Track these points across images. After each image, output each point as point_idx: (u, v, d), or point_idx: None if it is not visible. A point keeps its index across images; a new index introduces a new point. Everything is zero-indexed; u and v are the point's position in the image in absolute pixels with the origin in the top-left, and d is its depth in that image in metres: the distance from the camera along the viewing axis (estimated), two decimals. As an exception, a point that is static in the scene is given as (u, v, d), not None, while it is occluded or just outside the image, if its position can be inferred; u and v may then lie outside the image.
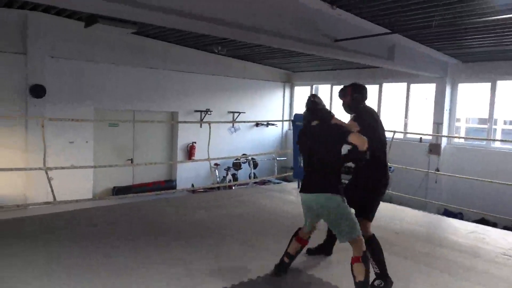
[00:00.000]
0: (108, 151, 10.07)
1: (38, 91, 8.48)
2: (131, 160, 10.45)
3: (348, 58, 8.14)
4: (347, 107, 3.79)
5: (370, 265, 3.20)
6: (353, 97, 3.72)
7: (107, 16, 7.05)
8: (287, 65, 12.85)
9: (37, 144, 5.22)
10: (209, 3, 5.42)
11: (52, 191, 4.96)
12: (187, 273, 3.57)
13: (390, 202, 7.78)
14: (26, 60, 8.44)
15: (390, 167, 8.44)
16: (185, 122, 10.76)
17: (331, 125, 3.42)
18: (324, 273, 3.66)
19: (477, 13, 5.87)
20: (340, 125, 3.41)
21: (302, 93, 13.94)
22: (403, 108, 10.93)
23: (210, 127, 6.42)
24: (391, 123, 11.09)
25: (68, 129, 9.01)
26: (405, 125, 10.89)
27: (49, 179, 4.99)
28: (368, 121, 3.61)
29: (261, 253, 4.11)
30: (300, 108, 13.67)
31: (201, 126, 10.87)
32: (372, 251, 3.33)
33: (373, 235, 3.48)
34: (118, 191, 9.84)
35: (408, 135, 10.65)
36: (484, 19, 5.95)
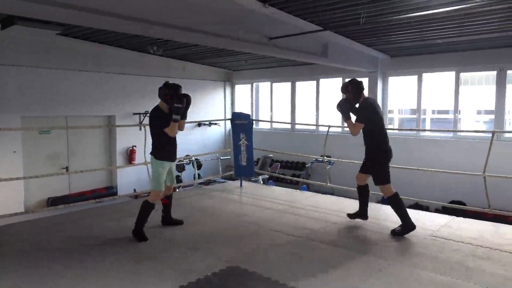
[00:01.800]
0: (40, 160, 9.47)
1: (-47, 100, 7.77)
2: (66, 168, 9.90)
3: (284, 56, 8.28)
4: (349, 100, 4.70)
5: None
6: (353, 91, 4.62)
7: (25, 17, 6.58)
8: (227, 64, 12.84)
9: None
10: (139, 3, 5.26)
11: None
12: (132, 282, 3.44)
13: (332, 194, 8.05)
14: None
15: (330, 161, 8.78)
16: (121, 126, 10.38)
17: None
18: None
19: (401, 10, 6.21)
20: None
21: (242, 92, 14.01)
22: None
23: (145, 131, 6.21)
24: (328, 117, 11.49)
25: (-8, 139, 8.35)
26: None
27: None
28: (367, 113, 4.55)
29: (204, 254, 4.06)
30: (241, 106, 13.73)
31: (140, 129, 10.52)
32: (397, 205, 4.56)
33: (396, 193, 4.60)
34: (53, 201, 9.29)
35: (345, 129, 11.05)
36: (407, 15, 6.31)
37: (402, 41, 8.68)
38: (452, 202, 8.60)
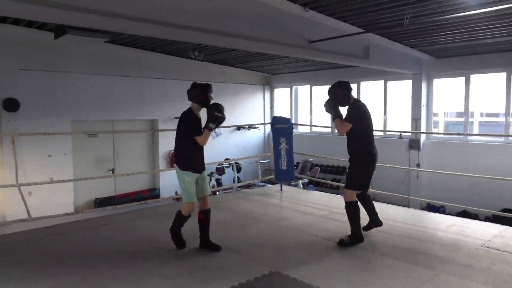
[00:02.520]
0: (88, 163, 9.91)
1: (11, 105, 8.31)
2: (112, 170, 10.29)
3: (324, 59, 8.21)
4: (338, 101, 4.47)
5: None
6: (342, 93, 4.43)
7: (76, 26, 6.93)
8: (266, 68, 12.88)
9: (12, 160, 5.08)
10: (179, 10, 5.39)
11: (27, 207, 4.82)
12: (173, 286, 3.52)
13: (373, 200, 7.85)
14: (-3, 74, 8.26)
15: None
16: (164, 130, 10.66)
17: None
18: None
19: (448, 10, 5.98)
20: None
21: (282, 95, 13.99)
22: (382, 105, 11.07)
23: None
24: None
25: (46, 142, 8.83)
26: (384, 122, 11.03)
27: (23, 196, 4.85)
28: (357, 114, 4.38)
29: (246, 259, 4.07)
30: (280, 110, 13.72)
31: (182, 132, 10.78)
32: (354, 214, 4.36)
33: (357, 201, 4.42)
34: (100, 202, 9.69)
35: (388, 132, 10.77)
36: (454, 15, 6.06)
37: (449, 42, 8.35)
38: (504, 210, 8.14)
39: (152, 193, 10.71)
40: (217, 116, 4.13)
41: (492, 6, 5.53)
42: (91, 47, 9.26)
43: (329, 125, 12.04)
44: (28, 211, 4.81)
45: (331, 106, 4.49)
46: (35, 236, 4.80)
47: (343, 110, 4.53)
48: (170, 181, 10.94)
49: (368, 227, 4.73)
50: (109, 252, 4.27)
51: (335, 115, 4.48)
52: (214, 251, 4.25)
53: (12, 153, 5.00)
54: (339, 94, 4.41)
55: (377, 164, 7.39)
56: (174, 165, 4.28)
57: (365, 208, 4.67)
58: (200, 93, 4.16)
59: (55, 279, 3.60)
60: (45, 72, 8.94)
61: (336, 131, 4.53)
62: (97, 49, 9.41)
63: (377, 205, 6.42)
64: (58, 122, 8.97)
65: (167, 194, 10.18)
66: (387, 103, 11.06)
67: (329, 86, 4.52)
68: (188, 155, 4.19)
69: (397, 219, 5.36)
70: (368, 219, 4.72)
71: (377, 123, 10.92)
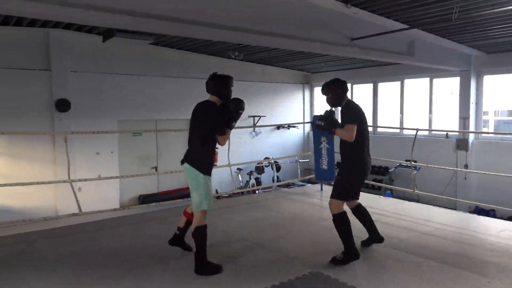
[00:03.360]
0: (133, 160, 10.27)
1: (63, 106, 8.77)
2: (156, 168, 10.61)
3: (366, 56, 8.02)
4: (331, 101, 4.13)
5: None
6: (337, 92, 4.05)
7: (123, 29, 7.22)
8: (306, 67, 12.78)
9: (64, 157, 5.37)
10: (221, 11, 5.46)
11: (78, 202, 5.08)
12: (212, 283, 3.58)
13: (418, 201, 7.61)
14: (51, 76, 8.74)
15: (415, 167, 8.28)
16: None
17: None
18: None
19: (499, 2, 5.67)
20: None
21: (321, 94, 13.82)
22: (427, 104, 10.68)
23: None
24: (414, 120, 10.87)
25: (94, 141, 9.26)
26: (430, 121, 10.62)
27: (74, 191, 5.11)
28: (356, 115, 3.99)
29: (286, 258, 4.07)
30: (320, 109, 13.56)
31: (222, 131, 10.94)
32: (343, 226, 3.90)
33: (345, 212, 3.93)
34: (144, 199, 10.02)
35: (434, 132, 10.37)
36: (506, 8, 5.74)
37: (501, 36, 7.90)
38: (562, 215, 7.63)
39: (193, 191, 10.92)
40: (240, 114, 3.76)
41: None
42: (136, 49, 9.60)
43: (371, 124, 11.80)
44: (79, 206, 5.06)
45: (329, 121, 4.08)
46: (86, 230, 5.05)
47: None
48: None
49: (367, 243, 4.29)
50: (153, 247, 4.41)
51: (334, 127, 4.03)
52: (187, 250, 4.09)
53: (65, 151, 5.28)
54: (335, 94, 4.03)
55: (422, 164, 7.13)
56: (186, 164, 3.76)
57: (361, 221, 4.25)
58: (223, 85, 3.77)
59: (102, 270, 3.77)
60: (94, 74, 9.37)
61: (345, 138, 3.96)
62: (142, 51, 9.75)
63: (422, 207, 6.25)
64: (105, 122, 9.39)
65: (208, 192, 10.35)
66: (433, 101, 10.65)
67: (323, 84, 4.17)
68: (207, 157, 3.73)
69: (444, 222, 5.16)
70: (368, 233, 4.28)
71: (422, 122, 10.57)
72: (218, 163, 10.92)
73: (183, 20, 5.15)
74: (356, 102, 4.22)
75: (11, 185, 4.96)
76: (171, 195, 9.95)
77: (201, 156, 3.72)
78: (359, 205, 4.25)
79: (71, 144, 8.37)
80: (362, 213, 4.24)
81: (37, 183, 5.42)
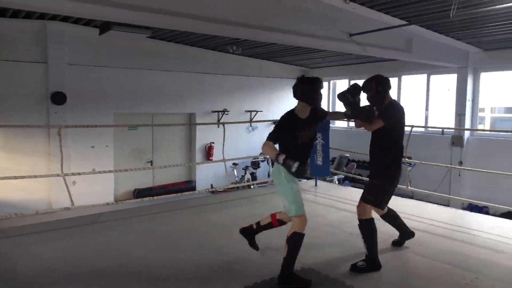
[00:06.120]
0: (128, 154, 10.25)
1: (58, 98, 8.73)
2: (151, 162, 10.60)
3: (364, 52, 7.99)
4: (372, 100, 3.78)
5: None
6: (378, 90, 3.72)
7: (120, 22, 7.17)
8: (304, 62, 12.74)
9: (58, 151, 5.35)
10: (220, 5, 5.43)
11: (70, 196, 5.06)
12: (199, 278, 3.59)
13: (412, 198, 7.63)
14: (47, 68, 8.68)
15: (410, 163, 8.31)
16: (200, 124, 10.84)
17: None
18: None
19: None
20: None
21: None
22: (424, 100, 10.68)
23: (224, 128, 6.43)
24: (411, 116, 10.87)
25: (89, 134, 9.23)
26: (426, 117, 10.64)
27: (67, 185, 5.10)
28: (395, 116, 3.71)
29: (277, 254, 4.08)
30: (318, 104, 13.54)
31: (218, 126, 10.93)
32: (364, 234, 3.70)
33: (373, 218, 3.74)
34: (139, 193, 10.01)
35: (429, 128, 10.38)
36: (504, 5, 5.72)
37: (498, 33, 7.89)
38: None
39: (188, 185, 10.94)
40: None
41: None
42: (133, 43, 9.54)
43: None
44: (71, 200, 5.05)
45: (353, 94, 3.75)
46: (77, 223, 5.04)
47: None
48: (206, 174, 11.15)
49: (400, 242, 4.22)
50: (147, 242, 4.41)
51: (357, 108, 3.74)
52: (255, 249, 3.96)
53: (59, 144, 5.26)
54: (375, 92, 3.71)
55: (416, 161, 7.11)
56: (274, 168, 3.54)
57: (391, 223, 4.14)
58: (313, 89, 3.44)
59: (97, 264, 3.77)
60: (90, 67, 9.32)
61: (358, 126, 3.82)
62: (139, 44, 9.69)
63: (416, 204, 6.26)
64: (101, 115, 9.35)
65: (203, 187, 10.38)
66: (430, 98, 10.66)
67: (364, 80, 3.85)
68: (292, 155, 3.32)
69: (437, 219, 5.18)
70: (399, 232, 4.20)
71: (418, 118, 10.58)
72: (215, 156, 11.04)
73: (180, 14, 5.12)
74: (400, 105, 3.87)
75: (3, 178, 4.94)
76: (166, 189, 9.96)
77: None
78: (389, 209, 4.10)
79: (65, 137, 8.37)
80: (393, 217, 4.10)
81: (29, 176, 5.39)
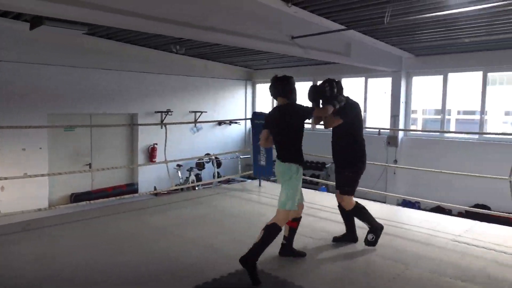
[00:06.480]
0: (64, 157, 9.72)
1: (-15, 97, 8.06)
2: (89, 165, 10.13)
3: (306, 55, 8.21)
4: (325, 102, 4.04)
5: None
6: (330, 92, 4.03)
7: (53, 17, 6.76)
8: (248, 63, 12.84)
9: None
10: (161, 3, 5.31)
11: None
12: (147, 281, 3.49)
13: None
14: (-27, 65, 8.01)
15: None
16: (142, 124, 10.55)
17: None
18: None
19: (427, 8, 6.06)
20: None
21: (264, 91, 13.99)
22: (362, 102, 11.20)
23: (166, 129, 6.31)
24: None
25: (20, 136, 8.63)
26: (364, 118, 11.15)
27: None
28: (352, 113, 4.13)
29: (221, 254, 4.07)
30: (262, 105, 13.72)
31: (162, 127, 10.70)
32: (359, 215, 4.20)
33: (357, 202, 4.24)
34: (76, 197, 9.53)
35: (368, 129, 10.89)
36: (433, 14, 6.15)
37: (428, 40, 8.47)
38: (476, 206, 8.37)
39: (130, 188, 10.60)
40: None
41: (469, 6, 5.63)
42: (69, 39, 9.06)
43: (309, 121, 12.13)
44: (-2, 206, 4.68)
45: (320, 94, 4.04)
46: (6, 232, 4.69)
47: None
48: (148, 176, 10.87)
49: (341, 239, 4.40)
50: (82, 248, 4.21)
51: (327, 103, 3.94)
52: (300, 257, 3.97)
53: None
54: (328, 92, 4.01)
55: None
56: (285, 162, 3.66)
57: (344, 217, 4.39)
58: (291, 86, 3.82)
59: (27, 274, 3.53)
60: (22, 64, 8.71)
61: (320, 124, 4.14)
62: (75, 41, 9.21)
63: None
64: (33, 115, 8.76)
65: (146, 190, 10.11)
66: (368, 100, 11.20)
67: (321, 82, 4.13)
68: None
69: (374, 215, 5.40)
70: (345, 230, 4.42)
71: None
72: (159, 158, 10.79)
73: (118, 11, 4.93)
74: (356, 102, 4.27)
75: None
76: (106, 193, 9.58)
77: (296, 149, 3.74)
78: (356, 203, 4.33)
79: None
80: (351, 216, 4.35)
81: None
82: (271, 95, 3.90)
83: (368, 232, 4.20)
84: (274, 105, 4.07)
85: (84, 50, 9.58)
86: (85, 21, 6.53)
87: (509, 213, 5.37)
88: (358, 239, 4.37)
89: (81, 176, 9.69)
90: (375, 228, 4.20)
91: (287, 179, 3.65)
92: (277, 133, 3.78)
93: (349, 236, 4.38)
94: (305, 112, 3.75)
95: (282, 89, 3.77)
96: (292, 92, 3.78)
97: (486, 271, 3.69)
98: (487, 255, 4.08)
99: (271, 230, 3.55)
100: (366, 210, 4.23)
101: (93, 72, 9.89)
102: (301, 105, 3.78)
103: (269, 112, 4.00)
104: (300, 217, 3.98)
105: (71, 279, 3.49)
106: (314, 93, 4.08)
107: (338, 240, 4.40)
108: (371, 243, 4.18)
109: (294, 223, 3.92)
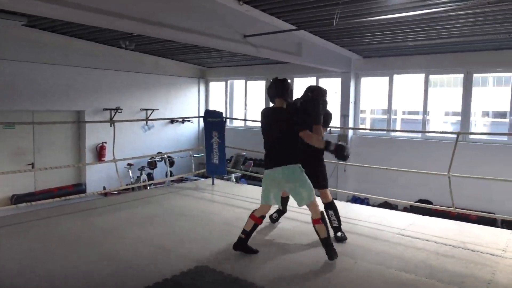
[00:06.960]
0: (4, 156, 9.11)
1: None
2: (32, 164, 9.56)
3: (258, 54, 8.25)
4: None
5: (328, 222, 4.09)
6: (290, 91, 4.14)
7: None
8: (201, 61, 12.70)
9: None
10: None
11: None
12: (95, 282, 3.35)
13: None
14: None
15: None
16: (89, 122, 10.13)
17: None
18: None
19: (373, 12, 6.30)
20: None
21: (217, 89, 13.92)
22: (314, 101, 11.43)
23: (114, 127, 6.10)
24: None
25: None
26: (316, 118, 11.39)
27: None
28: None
29: (172, 254, 4.00)
30: (215, 103, 13.64)
31: (111, 125, 10.31)
32: (334, 211, 4.45)
33: (333, 199, 4.56)
34: (17, 199, 8.97)
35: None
36: (379, 17, 6.41)
37: (375, 43, 8.82)
38: (420, 201, 8.84)
39: (77, 188, 10.14)
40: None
41: (413, 10, 5.93)
42: (7, 31, 8.47)
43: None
44: None
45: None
46: None
47: None
48: (97, 175, 10.45)
49: (278, 218, 5.05)
50: (23, 252, 3.96)
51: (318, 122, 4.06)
52: (253, 253, 4.03)
53: None
54: (288, 91, 4.04)
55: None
56: (291, 164, 3.78)
57: (283, 202, 4.76)
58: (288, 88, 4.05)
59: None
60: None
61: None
62: (14, 33, 8.64)
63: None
64: (-32, 111, 8.14)
65: (94, 189, 9.70)
66: (319, 100, 11.44)
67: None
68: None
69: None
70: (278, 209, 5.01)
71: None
72: (108, 157, 10.39)
73: (62, 2, 4.68)
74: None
75: None
76: (51, 194, 9.09)
77: (294, 151, 3.89)
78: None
79: None
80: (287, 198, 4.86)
81: None
82: (269, 96, 4.00)
83: (337, 230, 4.46)
84: (224, 103, 4.10)
85: (26, 43, 9.02)
86: (20, 11, 6.13)
87: (448, 207, 5.71)
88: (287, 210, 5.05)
89: (23, 176, 9.09)
90: (340, 225, 4.50)
91: (296, 178, 3.80)
92: (276, 137, 3.88)
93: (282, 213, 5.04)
94: (297, 124, 3.77)
95: (283, 90, 3.90)
96: (291, 94, 3.99)
97: (428, 262, 3.90)
98: (429, 247, 4.32)
99: (323, 219, 3.86)
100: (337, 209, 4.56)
101: (36, 67, 9.33)
102: (298, 114, 3.83)
103: (264, 114, 4.10)
104: (265, 216, 4.10)
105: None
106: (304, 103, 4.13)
107: (276, 221, 5.00)
108: (340, 238, 4.42)
109: (260, 219, 4.02)
